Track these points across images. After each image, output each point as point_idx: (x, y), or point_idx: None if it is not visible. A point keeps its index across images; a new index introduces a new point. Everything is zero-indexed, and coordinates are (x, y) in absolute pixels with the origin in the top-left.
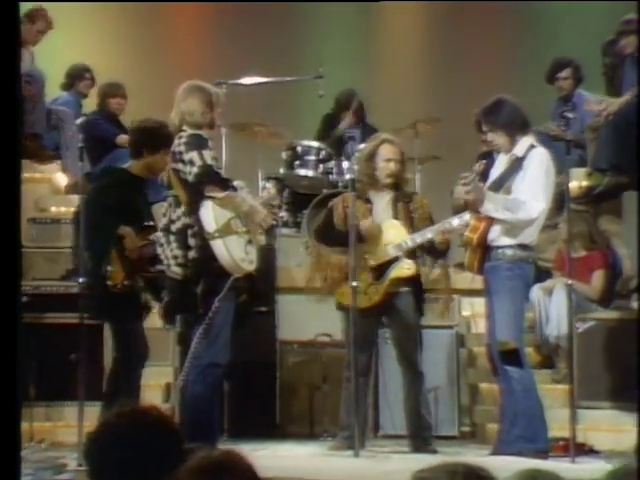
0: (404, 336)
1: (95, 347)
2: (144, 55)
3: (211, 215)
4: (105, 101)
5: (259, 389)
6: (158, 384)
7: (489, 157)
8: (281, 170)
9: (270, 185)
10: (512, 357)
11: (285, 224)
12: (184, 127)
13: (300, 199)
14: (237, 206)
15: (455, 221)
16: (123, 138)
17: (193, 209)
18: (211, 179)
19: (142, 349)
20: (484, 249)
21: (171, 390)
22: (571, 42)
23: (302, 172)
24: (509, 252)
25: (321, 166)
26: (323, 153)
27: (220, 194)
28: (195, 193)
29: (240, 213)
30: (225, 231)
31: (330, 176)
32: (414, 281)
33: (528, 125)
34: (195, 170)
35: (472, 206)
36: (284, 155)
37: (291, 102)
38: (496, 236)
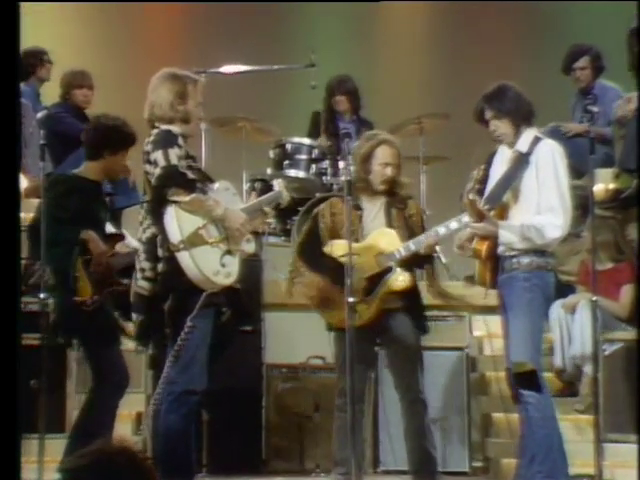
0: (401, 358)
1: (57, 373)
2: (114, 40)
3: (174, 224)
4: (69, 92)
5: (242, 419)
6: (128, 414)
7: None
8: (268, 171)
9: (278, 182)
10: (529, 380)
11: (273, 232)
12: (155, 122)
13: (290, 204)
14: (208, 211)
15: (453, 224)
16: None
17: (156, 216)
18: (173, 181)
19: (121, 377)
20: (495, 260)
21: (142, 420)
22: (591, 31)
23: (292, 173)
24: (525, 260)
25: (314, 166)
26: (316, 152)
27: (185, 198)
28: (157, 197)
29: (213, 219)
30: (193, 241)
31: (324, 177)
32: (411, 295)
33: (533, 115)
34: (157, 171)
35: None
36: (272, 154)
37: (279, 94)
38: (508, 243)
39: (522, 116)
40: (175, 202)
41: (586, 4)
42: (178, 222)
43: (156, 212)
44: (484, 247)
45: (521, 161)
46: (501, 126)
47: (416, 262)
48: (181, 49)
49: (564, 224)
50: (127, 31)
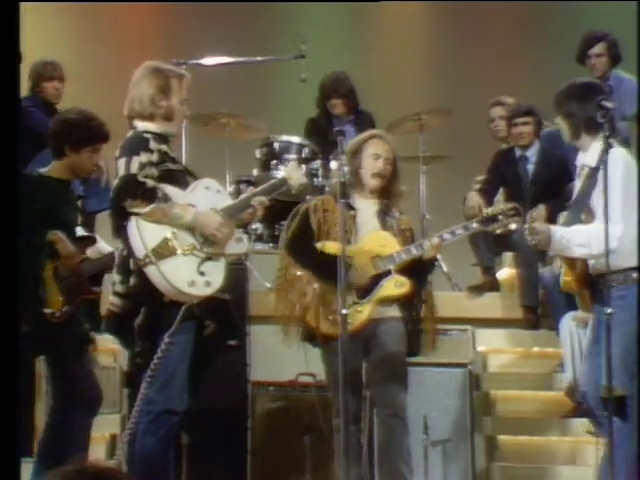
0: (384, 370)
1: (25, 391)
2: (88, 28)
3: (137, 237)
4: (39, 85)
5: (226, 442)
6: (102, 436)
7: (509, 155)
8: (254, 171)
9: (289, 165)
10: (617, 406)
11: (259, 238)
12: (134, 121)
13: (277, 207)
14: (174, 219)
15: (459, 231)
16: None
17: (119, 228)
18: (130, 192)
19: (93, 394)
20: (591, 285)
21: (117, 443)
22: (606, 20)
23: (280, 174)
24: (620, 277)
25: (304, 167)
26: (306, 151)
27: (144, 209)
28: (116, 209)
29: (182, 227)
30: (160, 253)
31: (315, 179)
32: (407, 304)
33: (596, 126)
34: (115, 182)
35: (539, 248)
36: (258, 153)
37: (266, 88)
38: (597, 264)
39: (593, 126)
40: (136, 214)
41: (590, 4)
42: (141, 235)
43: (118, 224)
44: (572, 279)
45: (591, 178)
46: (561, 124)
47: (415, 270)
48: (162, 39)
49: (621, 235)
50: (105, 19)
